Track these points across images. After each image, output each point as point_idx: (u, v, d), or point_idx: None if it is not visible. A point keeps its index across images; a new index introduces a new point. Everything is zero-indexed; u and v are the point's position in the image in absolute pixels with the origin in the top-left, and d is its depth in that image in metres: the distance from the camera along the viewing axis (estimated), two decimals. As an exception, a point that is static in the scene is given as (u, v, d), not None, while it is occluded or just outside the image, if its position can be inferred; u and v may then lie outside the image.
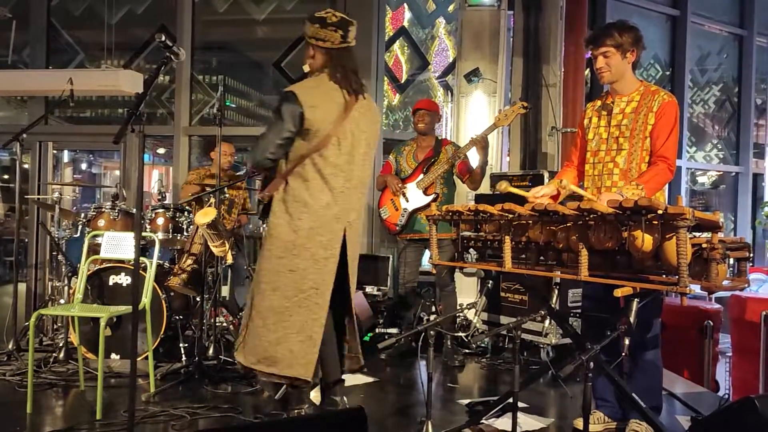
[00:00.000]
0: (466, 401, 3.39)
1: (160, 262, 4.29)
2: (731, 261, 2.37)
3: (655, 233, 2.16)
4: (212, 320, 4.22)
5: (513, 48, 6.18)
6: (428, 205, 4.26)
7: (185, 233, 4.42)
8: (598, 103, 3.03)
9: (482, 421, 2.99)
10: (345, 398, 3.07)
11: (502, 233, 2.67)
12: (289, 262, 2.77)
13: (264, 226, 4.75)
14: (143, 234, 3.98)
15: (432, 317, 4.39)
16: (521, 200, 2.71)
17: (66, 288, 4.24)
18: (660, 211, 2.10)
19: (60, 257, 4.40)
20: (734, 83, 8.70)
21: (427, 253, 4.49)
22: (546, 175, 4.62)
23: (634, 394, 2.63)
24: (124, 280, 4.10)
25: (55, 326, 4.46)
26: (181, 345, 4.04)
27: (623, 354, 2.37)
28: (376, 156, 6.24)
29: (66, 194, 6.97)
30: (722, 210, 8.43)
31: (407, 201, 4.37)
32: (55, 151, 6.87)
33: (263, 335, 2.78)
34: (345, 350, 3.02)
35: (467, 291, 5.15)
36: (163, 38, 2.60)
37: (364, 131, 2.89)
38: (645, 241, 2.16)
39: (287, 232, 2.77)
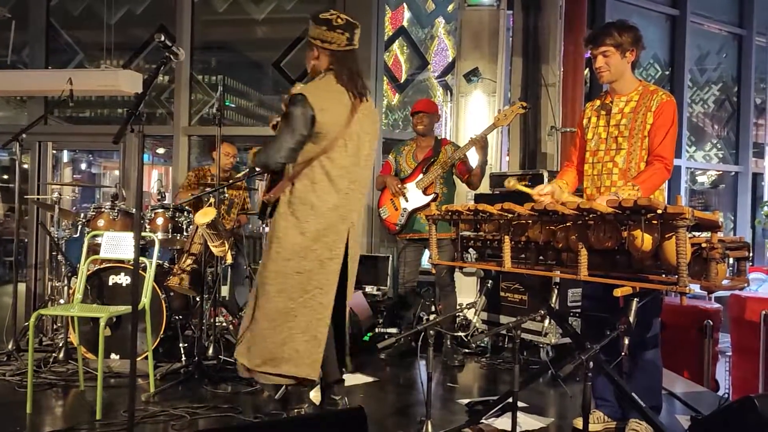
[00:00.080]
0: (466, 401, 3.39)
1: (160, 262, 4.29)
2: (731, 260, 2.37)
3: (654, 233, 2.16)
4: (212, 320, 4.22)
5: (512, 48, 6.18)
6: (428, 205, 4.26)
7: (185, 233, 4.42)
8: (597, 102, 3.03)
9: (482, 421, 2.99)
10: (345, 398, 3.07)
11: (501, 233, 2.67)
12: (297, 264, 2.78)
13: (264, 226, 4.78)
14: (143, 234, 3.98)
15: (432, 317, 4.39)
16: (522, 199, 2.70)
17: (66, 288, 4.24)
18: (659, 211, 2.11)
19: (60, 257, 4.40)
20: (733, 83, 8.70)
21: (426, 253, 4.49)
22: (545, 174, 4.62)
23: (633, 394, 2.63)
24: (123, 280, 4.10)
25: (54, 326, 4.46)
26: (180, 345, 4.04)
27: (623, 353, 2.38)
28: (375, 156, 6.26)
29: (65, 194, 6.97)
30: (722, 209, 8.44)
31: (407, 201, 4.37)
32: (54, 151, 6.87)
33: (269, 337, 2.79)
34: (346, 350, 3.03)
35: (467, 291, 5.16)
36: (163, 38, 2.60)
37: (368, 133, 2.93)
38: (644, 240, 2.16)
39: (294, 235, 2.78)
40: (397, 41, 6.83)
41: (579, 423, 3.00)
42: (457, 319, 4.81)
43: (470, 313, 4.64)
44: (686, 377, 4.35)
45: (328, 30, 2.80)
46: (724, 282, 2.25)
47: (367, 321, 4.84)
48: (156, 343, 3.98)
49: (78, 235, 4.47)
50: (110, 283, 4.11)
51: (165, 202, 4.56)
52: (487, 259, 2.98)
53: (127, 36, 6.84)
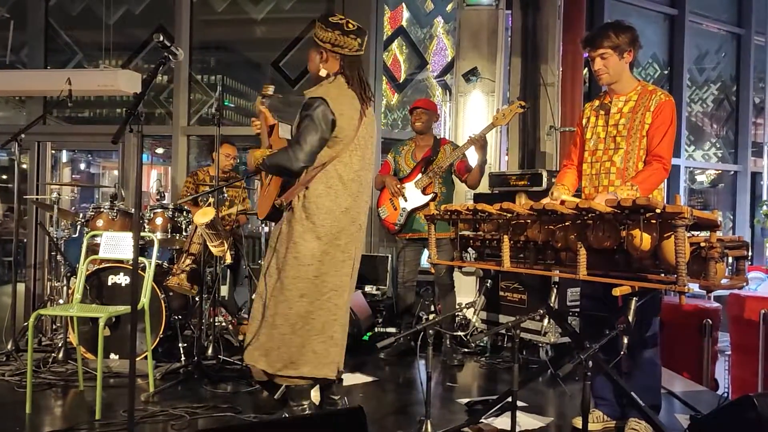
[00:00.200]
0: (465, 400, 3.40)
1: (159, 262, 4.29)
2: (730, 260, 2.37)
3: (653, 232, 2.17)
4: (211, 320, 4.21)
5: (511, 47, 6.18)
6: (427, 205, 4.26)
7: (184, 233, 4.42)
8: (596, 102, 3.03)
9: (481, 420, 2.99)
10: (345, 398, 3.07)
11: (500, 232, 2.68)
12: (315, 268, 2.80)
13: (263, 226, 4.78)
14: (142, 234, 3.98)
15: (431, 316, 4.39)
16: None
17: (65, 288, 4.23)
18: (658, 210, 2.11)
19: (59, 257, 4.40)
20: (732, 82, 8.71)
21: (426, 253, 4.49)
22: (544, 174, 4.62)
23: (633, 393, 2.63)
24: (122, 280, 4.10)
25: (54, 326, 4.45)
26: (180, 345, 4.04)
27: (622, 353, 2.38)
28: (374, 155, 6.26)
29: (64, 194, 6.96)
30: (721, 209, 8.45)
31: (406, 200, 4.37)
32: (53, 151, 6.86)
33: (290, 341, 2.81)
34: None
35: (466, 290, 5.16)
36: (162, 38, 2.60)
37: (372, 136, 2.98)
38: (643, 240, 2.16)
39: (311, 239, 2.79)
40: (396, 41, 6.83)
41: (578, 422, 3.00)
42: (457, 319, 4.81)
43: (469, 313, 4.65)
44: (685, 376, 4.35)
45: (342, 35, 2.83)
46: (723, 281, 2.25)
47: (366, 321, 4.84)
48: (155, 343, 3.98)
49: (77, 235, 4.47)
50: (109, 283, 4.10)
51: (164, 202, 4.56)
52: (486, 258, 2.98)
53: (126, 36, 6.83)
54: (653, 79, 7.97)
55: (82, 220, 4.44)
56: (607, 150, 2.91)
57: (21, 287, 5.48)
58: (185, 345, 4.05)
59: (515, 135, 6.17)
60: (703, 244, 2.19)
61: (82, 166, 8.93)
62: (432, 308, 4.76)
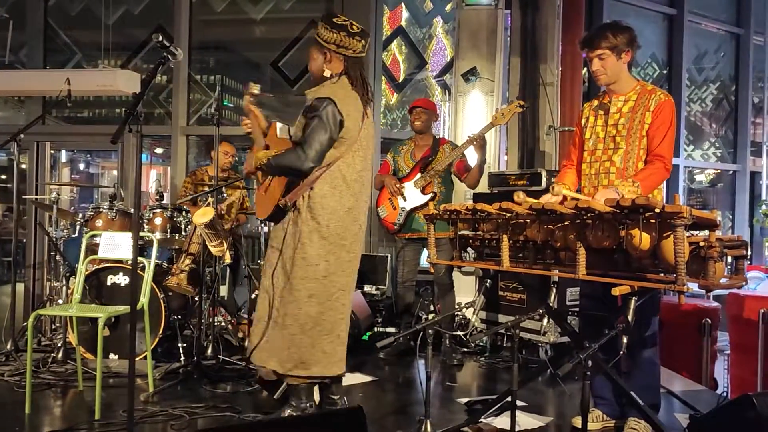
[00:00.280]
0: (465, 400, 3.40)
1: (158, 262, 4.29)
2: (729, 259, 2.37)
3: (652, 232, 2.17)
4: (210, 320, 4.22)
5: (510, 47, 6.18)
6: (426, 204, 4.26)
7: (183, 233, 4.41)
8: (595, 102, 3.03)
9: (481, 420, 2.99)
10: (345, 398, 3.08)
11: (500, 232, 2.68)
12: (323, 268, 2.82)
13: (262, 225, 4.77)
14: (141, 234, 3.97)
15: (430, 316, 4.39)
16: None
17: (64, 288, 4.23)
18: (657, 210, 2.11)
19: (58, 257, 4.40)
20: (731, 82, 8.71)
21: (425, 252, 4.49)
22: (543, 173, 4.62)
23: (632, 392, 2.63)
24: (122, 280, 4.10)
25: (53, 326, 4.45)
26: (179, 345, 4.04)
27: (621, 352, 2.38)
28: (374, 155, 6.26)
29: (64, 194, 6.96)
30: (720, 208, 8.45)
31: (405, 200, 4.37)
32: (52, 151, 6.86)
33: (300, 341, 2.82)
34: None
35: (465, 290, 5.16)
36: (161, 38, 2.60)
37: (372, 137, 3.02)
38: (642, 239, 2.17)
39: (317, 239, 2.81)
40: (395, 41, 6.83)
41: (578, 422, 3.01)
42: (456, 319, 4.82)
43: (469, 312, 4.65)
44: (684, 376, 4.36)
45: (348, 36, 2.84)
46: (723, 280, 2.25)
47: (366, 320, 4.84)
48: (155, 343, 3.98)
49: (76, 235, 4.47)
50: (108, 283, 4.10)
51: (163, 202, 4.56)
52: (485, 258, 2.98)
53: (125, 36, 6.83)
54: (652, 78, 7.97)
55: (82, 220, 4.44)
56: (607, 150, 2.91)
57: (20, 287, 5.47)
58: (185, 345, 4.05)
59: (514, 135, 6.17)
60: (702, 244, 2.19)
61: (81, 166, 8.92)
62: (431, 308, 4.76)
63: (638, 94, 2.88)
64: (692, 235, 2.30)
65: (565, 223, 2.43)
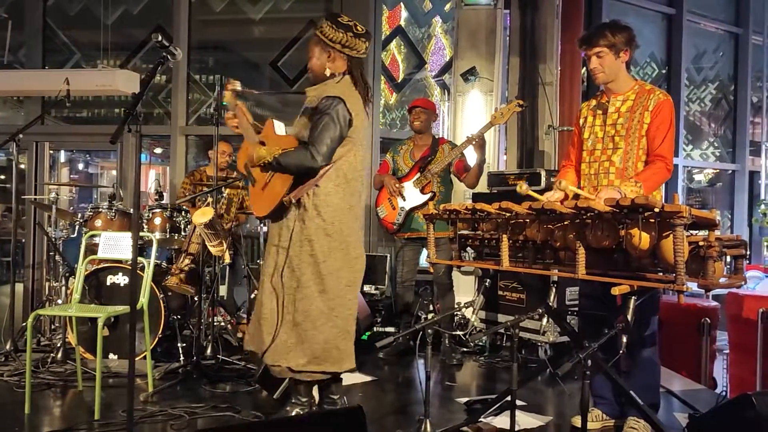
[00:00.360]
0: (464, 399, 3.40)
1: (158, 261, 4.29)
2: (728, 259, 2.38)
3: (652, 231, 2.17)
4: (210, 320, 4.22)
5: (509, 47, 6.19)
6: (425, 204, 4.26)
7: (183, 233, 4.41)
8: (593, 102, 3.03)
9: (480, 419, 2.99)
10: (344, 397, 3.08)
11: (499, 232, 2.68)
12: (331, 264, 2.84)
13: (261, 225, 4.77)
14: (140, 234, 3.97)
15: (430, 316, 4.39)
16: (520, 198, 2.70)
17: (63, 288, 4.23)
18: (657, 209, 2.11)
19: (57, 257, 4.39)
20: (730, 81, 8.73)
21: (424, 252, 4.49)
22: (543, 173, 4.62)
23: (632, 392, 2.63)
24: (121, 280, 4.10)
25: (52, 327, 4.45)
26: (179, 345, 4.04)
27: (621, 352, 2.38)
28: (373, 155, 6.26)
29: (63, 194, 6.95)
30: (718, 208, 8.46)
31: (404, 200, 4.37)
32: (51, 151, 6.85)
33: (313, 337, 2.82)
34: None
35: (464, 289, 5.16)
36: (160, 38, 2.60)
37: (368, 136, 3.00)
38: (642, 239, 2.17)
39: (323, 236, 2.82)
40: (394, 40, 6.83)
41: (577, 421, 3.01)
42: (455, 318, 4.82)
43: (468, 312, 4.65)
44: (684, 375, 4.36)
45: (354, 37, 2.86)
46: (722, 280, 2.26)
47: (365, 320, 4.84)
48: (154, 343, 3.98)
49: (75, 235, 4.46)
50: (108, 283, 4.10)
51: (163, 202, 4.56)
52: (485, 257, 2.98)
53: (124, 36, 6.82)
54: (651, 78, 7.98)
55: (81, 221, 4.43)
56: (606, 150, 2.91)
57: (19, 287, 5.47)
58: (184, 345, 4.05)
59: (514, 134, 6.17)
60: (701, 243, 2.19)
61: (80, 166, 8.91)
62: (431, 308, 4.76)
63: (637, 94, 2.88)
64: (691, 234, 2.30)
65: (565, 223, 2.43)
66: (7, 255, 7.63)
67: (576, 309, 3.96)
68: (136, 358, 3.08)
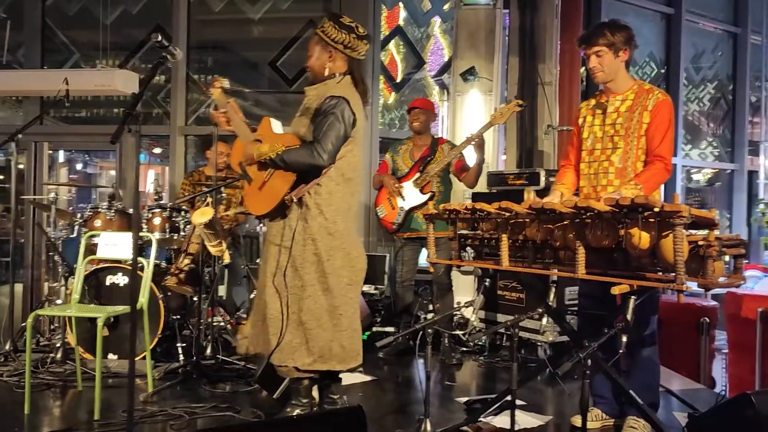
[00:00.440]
0: (464, 399, 3.40)
1: (157, 262, 4.28)
2: (727, 258, 2.38)
3: (651, 231, 2.17)
4: (209, 320, 4.21)
5: (509, 46, 6.19)
6: (425, 204, 4.26)
7: (182, 233, 4.41)
8: (593, 102, 3.04)
9: (480, 419, 2.99)
10: (344, 397, 3.08)
11: (499, 231, 2.68)
12: (333, 264, 2.84)
13: (261, 225, 4.77)
14: (140, 234, 3.97)
15: (429, 315, 4.40)
16: (520, 198, 2.71)
17: (63, 288, 4.23)
18: (657, 209, 2.12)
19: (57, 258, 4.39)
20: (729, 81, 8.74)
21: (424, 252, 4.49)
22: (542, 173, 4.63)
23: (631, 391, 2.64)
24: (121, 280, 4.10)
25: (51, 327, 4.44)
26: (178, 345, 4.04)
27: (621, 351, 2.39)
28: (372, 155, 6.27)
29: (61, 194, 6.95)
30: (717, 207, 8.47)
31: (404, 200, 4.37)
32: (50, 152, 6.84)
33: (318, 336, 2.83)
34: None
35: (464, 289, 5.16)
36: (160, 38, 2.59)
37: (366, 136, 3.01)
38: (642, 238, 2.17)
39: (326, 235, 2.83)
40: (393, 40, 6.83)
41: (577, 420, 3.01)
42: (455, 318, 4.82)
43: (468, 312, 4.65)
44: (682, 374, 4.37)
45: (357, 39, 2.87)
46: (721, 279, 2.26)
47: (365, 320, 4.83)
48: (154, 343, 3.98)
49: (75, 235, 4.46)
50: (107, 284, 4.10)
51: (162, 202, 4.56)
52: (484, 257, 2.98)
53: (123, 36, 6.82)
54: (650, 78, 7.99)
55: (80, 221, 4.43)
56: (605, 149, 2.91)
57: (18, 288, 5.46)
58: (184, 345, 4.05)
59: (513, 134, 6.17)
60: (701, 243, 2.19)
61: (79, 166, 8.91)
62: (430, 307, 4.76)
63: (636, 94, 2.89)
64: (691, 234, 2.30)
65: (565, 223, 2.43)
66: (6, 255, 7.63)
67: (575, 308, 3.96)
68: (136, 358, 3.07)
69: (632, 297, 2.33)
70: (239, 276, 4.98)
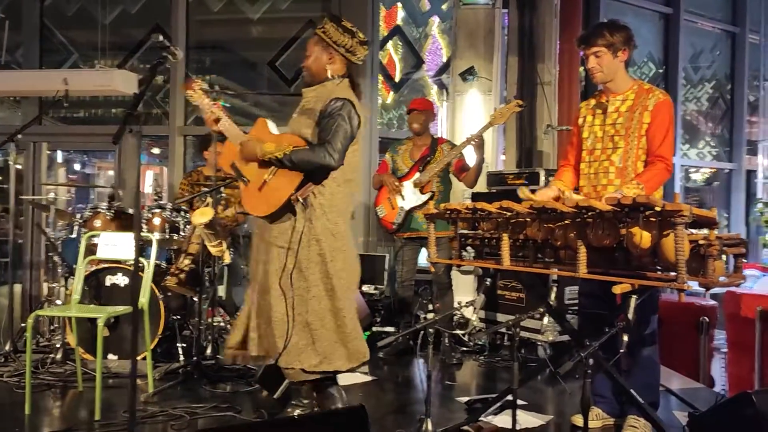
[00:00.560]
0: (465, 399, 3.40)
1: (157, 262, 4.28)
2: (724, 257, 2.38)
3: (653, 230, 2.18)
4: (210, 320, 4.21)
5: (508, 46, 6.19)
6: (425, 204, 4.26)
7: (182, 233, 4.41)
8: (593, 102, 3.04)
9: (481, 419, 3.00)
10: (343, 393, 3.07)
11: (500, 231, 2.68)
12: (336, 265, 2.84)
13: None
14: (140, 234, 3.97)
15: (429, 315, 4.40)
16: (521, 198, 2.71)
17: (62, 289, 4.22)
18: (658, 208, 2.12)
19: (56, 258, 4.38)
20: (727, 80, 8.75)
21: (423, 252, 4.50)
22: (542, 173, 4.63)
23: (632, 391, 2.64)
24: (121, 280, 4.09)
25: (51, 327, 4.44)
26: (178, 345, 4.04)
27: (621, 350, 2.39)
28: (371, 155, 6.27)
29: (61, 195, 6.94)
30: (716, 207, 8.46)
31: (404, 199, 4.37)
32: (48, 152, 6.83)
33: (322, 336, 2.82)
34: None
35: (463, 289, 5.17)
36: (161, 38, 2.59)
37: (363, 137, 3.05)
38: (643, 237, 2.17)
39: (330, 236, 2.83)
40: (391, 40, 6.83)
41: (577, 420, 3.02)
42: (455, 318, 4.82)
43: (468, 311, 4.65)
44: (682, 374, 4.37)
45: (358, 43, 2.90)
46: (722, 278, 2.26)
47: (364, 320, 4.83)
48: (154, 344, 3.98)
49: (74, 235, 4.45)
50: (107, 284, 4.10)
51: (161, 202, 4.55)
52: (485, 257, 2.99)
53: (121, 36, 6.82)
54: (648, 77, 7.99)
55: (80, 221, 4.42)
56: (605, 149, 2.92)
57: (17, 288, 5.45)
58: (184, 345, 4.05)
59: (512, 134, 6.18)
60: (702, 242, 2.20)
61: (77, 166, 8.89)
62: (430, 307, 4.76)
63: (636, 94, 2.89)
64: (692, 233, 2.31)
65: (566, 222, 2.44)
66: (5, 256, 7.61)
67: (575, 308, 3.97)
68: (137, 359, 3.06)
69: (633, 296, 2.33)
70: (239, 276, 4.98)
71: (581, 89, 6.45)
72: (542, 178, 4.58)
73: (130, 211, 4.41)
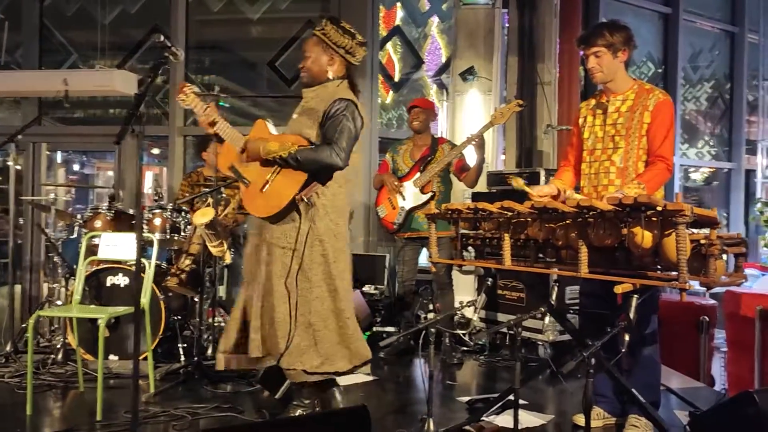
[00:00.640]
0: (466, 399, 3.41)
1: (158, 262, 4.28)
2: (724, 257, 2.39)
3: (654, 230, 2.18)
4: (210, 320, 4.21)
5: (508, 46, 6.20)
6: (425, 204, 4.27)
7: (183, 233, 4.41)
8: (593, 102, 3.04)
9: (482, 418, 3.00)
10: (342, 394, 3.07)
11: (501, 231, 2.69)
12: (339, 265, 2.86)
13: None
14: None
15: (430, 315, 4.40)
16: (521, 198, 2.72)
17: (63, 289, 4.22)
18: (659, 208, 2.13)
19: (56, 258, 4.38)
20: (726, 80, 8.75)
21: (424, 252, 4.50)
22: (542, 172, 4.63)
23: (633, 390, 2.65)
24: (122, 280, 4.09)
25: (52, 328, 4.44)
26: (179, 345, 4.04)
27: (623, 350, 2.40)
28: (371, 155, 6.27)
29: (60, 195, 6.93)
30: (715, 206, 8.47)
31: (404, 199, 4.38)
32: (48, 152, 6.83)
33: (325, 337, 2.83)
34: None
35: (464, 289, 5.17)
36: (162, 38, 2.60)
37: (362, 139, 3.04)
38: (645, 237, 2.18)
39: (332, 237, 2.85)
40: (391, 40, 6.83)
41: (578, 419, 3.02)
42: (455, 318, 4.82)
43: (469, 311, 4.66)
44: (682, 373, 4.38)
45: (358, 45, 2.91)
46: (723, 278, 2.27)
47: (365, 320, 4.84)
48: (155, 344, 3.97)
49: (75, 236, 4.45)
50: (108, 284, 4.10)
51: (162, 202, 4.55)
52: (486, 257, 2.99)
53: (121, 36, 6.81)
54: (648, 77, 8.00)
55: (80, 221, 4.42)
56: (606, 149, 2.92)
57: (17, 289, 5.45)
58: (185, 345, 4.05)
59: (512, 134, 6.19)
60: (703, 242, 2.20)
61: (76, 167, 8.88)
62: (431, 307, 4.77)
63: (636, 93, 2.90)
64: (692, 233, 2.31)
65: (567, 222, 2.44)
66: (4, 256, 7.61)
67: (576, 307, 3.97)
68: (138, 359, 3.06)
69: (635, 296, 2.34)
70: (239, 276, 4.97)
71: (581, 89, 6.45)
72: (542, 178, 4.58)
73: (131, 211, 4.41)
